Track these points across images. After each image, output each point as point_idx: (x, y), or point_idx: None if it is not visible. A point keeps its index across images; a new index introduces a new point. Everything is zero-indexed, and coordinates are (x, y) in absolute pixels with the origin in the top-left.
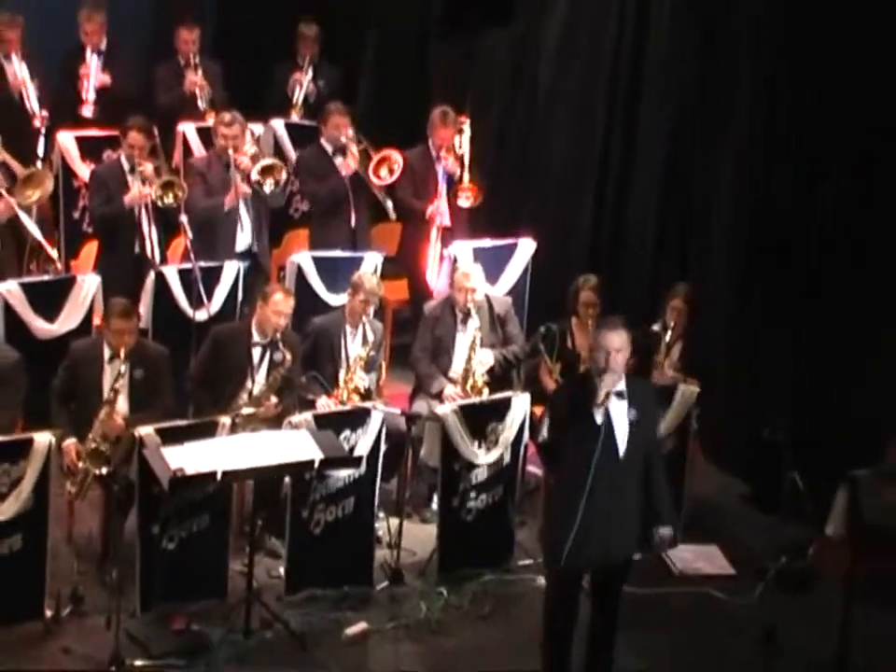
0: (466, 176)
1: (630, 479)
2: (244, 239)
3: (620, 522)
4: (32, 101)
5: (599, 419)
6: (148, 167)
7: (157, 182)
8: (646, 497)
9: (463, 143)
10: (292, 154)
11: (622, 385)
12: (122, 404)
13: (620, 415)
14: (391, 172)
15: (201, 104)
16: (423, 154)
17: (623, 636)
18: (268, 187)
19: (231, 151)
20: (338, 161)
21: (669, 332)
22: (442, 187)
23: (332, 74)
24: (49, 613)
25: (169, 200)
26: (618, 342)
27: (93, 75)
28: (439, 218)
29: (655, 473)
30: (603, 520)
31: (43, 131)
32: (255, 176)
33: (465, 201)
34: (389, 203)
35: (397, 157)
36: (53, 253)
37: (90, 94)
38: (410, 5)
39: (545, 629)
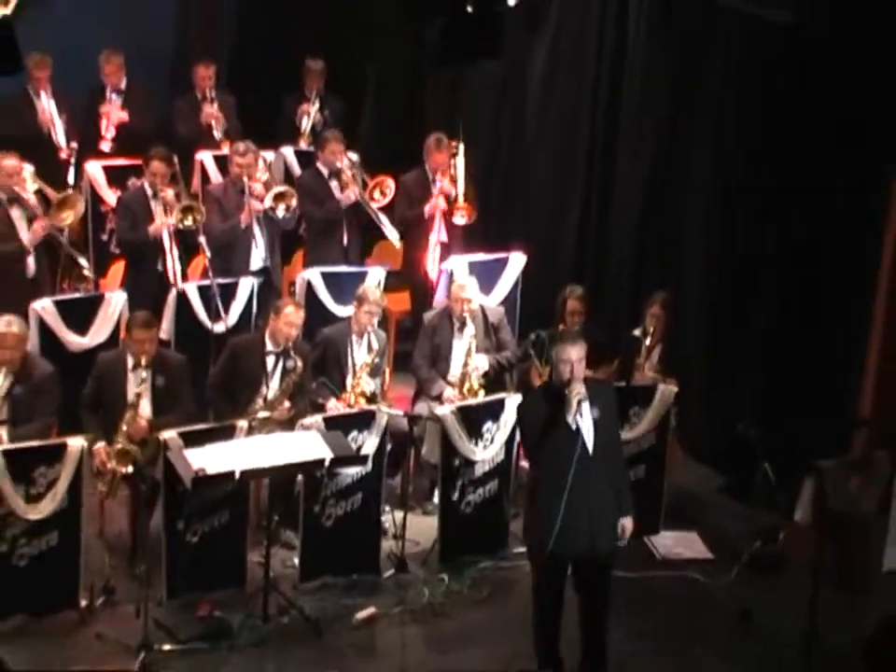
0: (461, 196)
1: (601, 473)
2: (258, 258)
3: (598, 514)
4: (59, 135)
5: (574, 425)
6: (169, 193)
7: (177, 206)
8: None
9: (457, 165)
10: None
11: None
12: (145, 408)
13: (586, 417)
14: (384, 194)
15: (216, 134)
16: (419, 177)
17: (612, 615)
18: (280, 211)
19: (245, 178)
20: (333, 184)
21: (649, 337)
22: (438, 200)
23: (336, 104)
24: (83, 603)
25: (189, 223)
26: (577, 353)
27: (113, 113)
28: (438, 211)
29: (618, 466)
30: (583, 512)
31: (72, 161)
32: (268, 203)
33: (460, 219)
34: (386, 224)
35: (389, 182)
36: (87, 271)
37: (108, 131)
38: (404, 41)
39: (534, 613)
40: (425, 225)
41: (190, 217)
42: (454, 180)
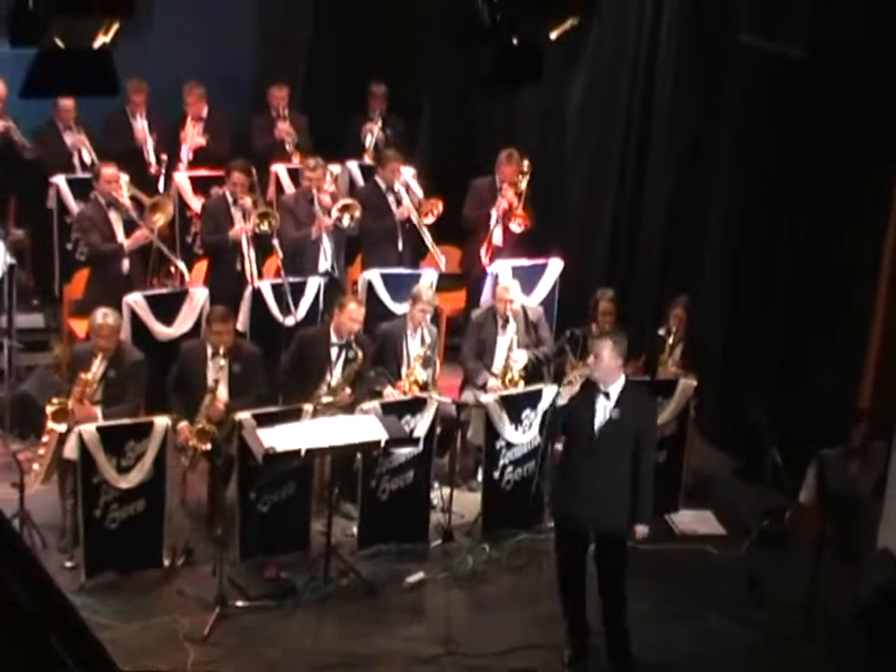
0: (520, 207)
1: (608, 464)
2: (324, 262)
3: (599, 497)
4: (150, 152)
5: (592, 413)
6: (248, 201)
7: (254, 213)
8: (631, 489)
9: (523, 182)
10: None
11: (614, 388)
12: (223, 392)
13: (604, 409)
14: (433, 215)
15: (289, 148)
16: (489, 183)
17: (636, 583)
18: (346, 221)
19: (315, 191)
20: (390, 198)
21: (672, 336)
22: (501, 213)
23: (397, 124)
24: (166, 562)
25: (264, 227)
26: (600, 349)
27: (190, 138)
28: (492, 240)
29: (642, 470)
30: (584, 492)
31: (162, 172)
32: (335, 213)
33: (517, 227)
34: (432, 245)
35: (440, 204)
36: (184, 271)
37: (187, 155)
38: (458, 67)
39: (558, 577)
40: (486, 227)
41: (266, 223)
42: (518, 194)
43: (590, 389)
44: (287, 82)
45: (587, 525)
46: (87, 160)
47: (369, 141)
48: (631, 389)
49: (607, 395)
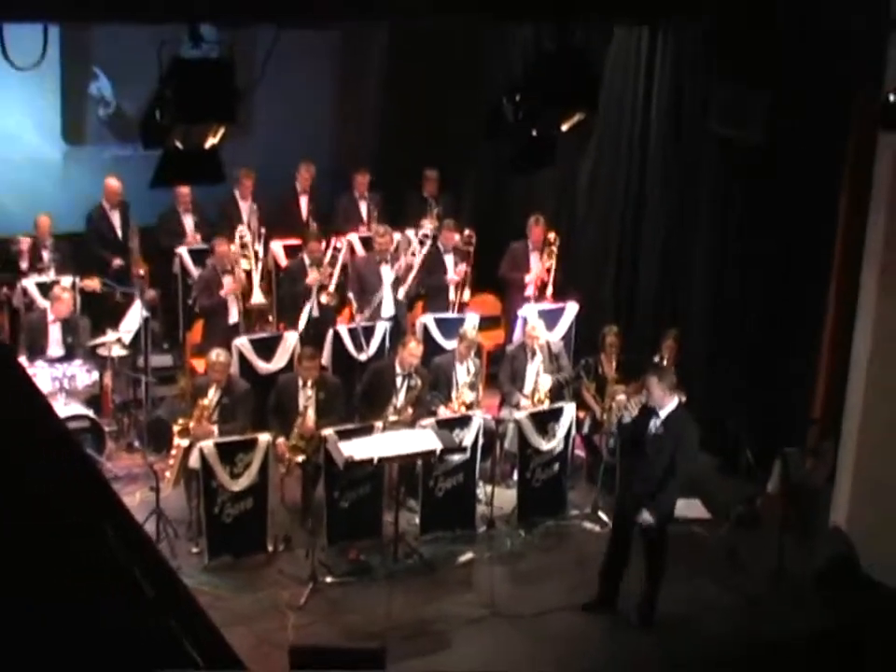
0: (548, 264)
1: (651, 468)
2: (389, 309)
3: (640, 494)
4: (253, 224)
5: (643, 426)
6: (337, 266)
7: (327, 277)
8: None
9: (553, 253)
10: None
11: (664, 411)
12: (311, 415)
13: (652, 427)
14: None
15: (364, 218)
16: (522, 246)
17: (640, 558)
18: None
19: (383, 253)
20: (447, 258)
21: (665, 361)
22: (534, 266)
23: (448, 200)
24: (269, 548)
25: (330, 302)
26: (650, 381)
27: (304, 209)
28: (530, 286)
29: (672, 476)
30: (631, 489)
31: (261, 241)
32: (400, 271)
33: (543, 278)
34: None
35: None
36: (271, 318)
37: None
38: (492, 153)
39: (608, 545)
40: (520, 287)
41: (331, 299)
42: (548, 269)
43: (647, 411)
44: (366, 168)
45: (630, 516)
46: (189, 229)
47: (428, 212)
48: (678, 413)
49: (658, 415)
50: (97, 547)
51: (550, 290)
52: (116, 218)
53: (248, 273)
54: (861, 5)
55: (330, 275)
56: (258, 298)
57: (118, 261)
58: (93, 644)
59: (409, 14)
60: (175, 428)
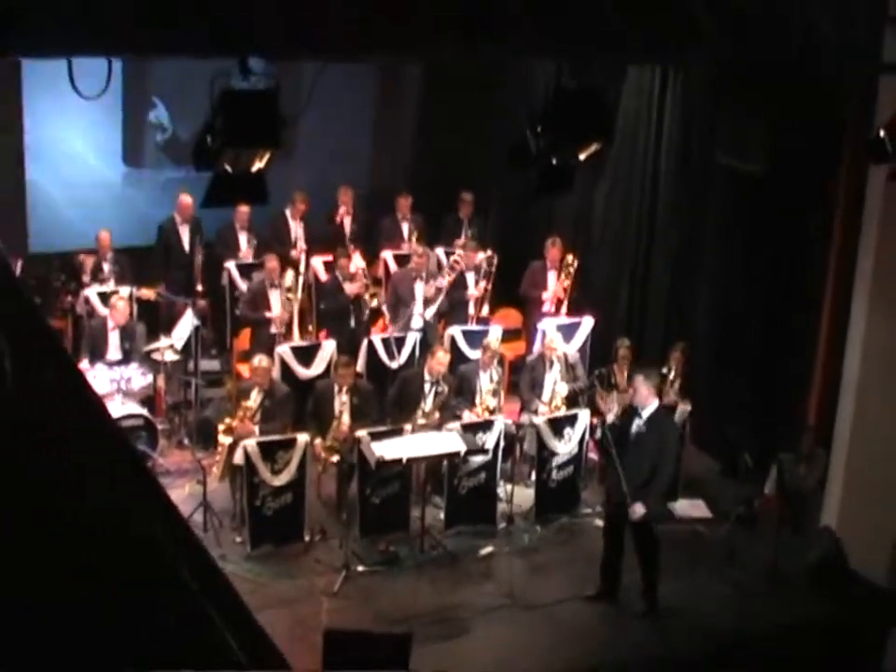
0: (565, 282)
1: (636, 466)
2: (418, 322)
3: (632, 489)
4: (301, 243)
5: (627, 425)
6: (358, 284)
7: (365, 290)
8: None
9: (567, 279)
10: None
11: (646, 410)
12: (346, 418)
13: (635, 426)
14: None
15: (405, 238)
16: (540, 267)
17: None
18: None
19: (419, 272)
20: (468, 276)
21: (672, 373)
22: (552, 284)
23: (480, 221)
24: (307, 538)
25: (373, 303)
26: (635, 383)
27: (348, 227)
28: (548, 303)
29: (657, 473)
30: (620, 484)
31: (303, 258)
32: (430, 292)
33: (560, 295)
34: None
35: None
36: (311, 328)
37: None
38: (515, 180)
39: (603, 539)
40: (538, 303)
41: (374, 300)
42: (565, 289)
43: (630, 411)
44: (404, 190)
45: (620, 510)
46: (243, 245)
47: (462, 233)
48: (660, 413)
49: (640, 416)
50: (148, 543)
51: (565, 307)
52: (185, 232)
53: (291, 313)
54: (855, 50)
55: (366, 286)
56: (296, 337)
57: (162, 289)
58: (139, 637)
59: (441, 51)
60: (221, 428)
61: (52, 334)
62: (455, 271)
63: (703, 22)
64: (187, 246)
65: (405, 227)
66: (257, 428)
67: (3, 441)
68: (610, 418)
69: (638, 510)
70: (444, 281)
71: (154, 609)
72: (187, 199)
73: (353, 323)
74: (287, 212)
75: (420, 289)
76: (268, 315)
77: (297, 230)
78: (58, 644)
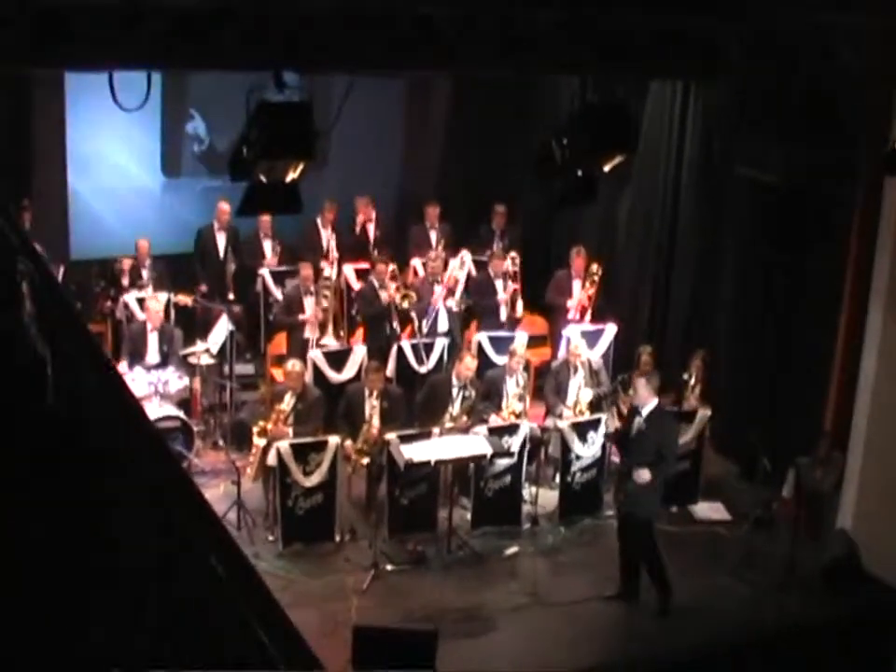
0: (589, 290)
1: (639, 460)
2: (444, 323)
3: (633, 487)
4: (332, 251)
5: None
6: (392, 286)
7: (398, 293)
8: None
9: (592, 287)
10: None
11: (646, 409)
12: (376, 422)
13: (636, 424)
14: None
15: (433, 246)
16: (566, 275)
17: (666, 555)
18: (460, 297)
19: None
20: (497, 283)
21: (692, 379)
22: (576, 292)
23: (513, 231)
24: (337, 538)
25: (405, 304)
26: (635, 384)
27: (371, 235)
28: (573, 311)
29: (657, 467)
30: (626, 485)
31: (334, 264)
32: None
33: (585, 302)
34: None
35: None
36: (342, 332)
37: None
38: (541, 190)
39: (619, 540)
40: (564, 311)
41: (406, 301)
42: (589, 296)
43: (631, 411)
44: (432, 199)
45: (623, 510)
46: (268, 253)
47: (495, 244)
48: (659, 412)
49: (640, 414)
50: (183, 543)
51: (589, 314)
52: (221, 239)
53: (325, 311)
54: (872, 68)
55: (398, 288)
56: (328, 338)
57: (203, 287)
58: (174, 633)
59: (470, 65)
60: (255, 430)
61: (93, 340)
62: (465, 264)
63: (723, 41)
64: (221, 254)
65: (433, 235)
66: (290, 430)
67: (45, 444)
68: (610, 427)
69: (644, 475)
70: (463, 272)
71: (189, 607)
72: (225, 206)
73: (389, 329)
74: (318, 221)
75: (438, 291)
76: (301, 317)
77: (328, 238)
78: (92, 638)
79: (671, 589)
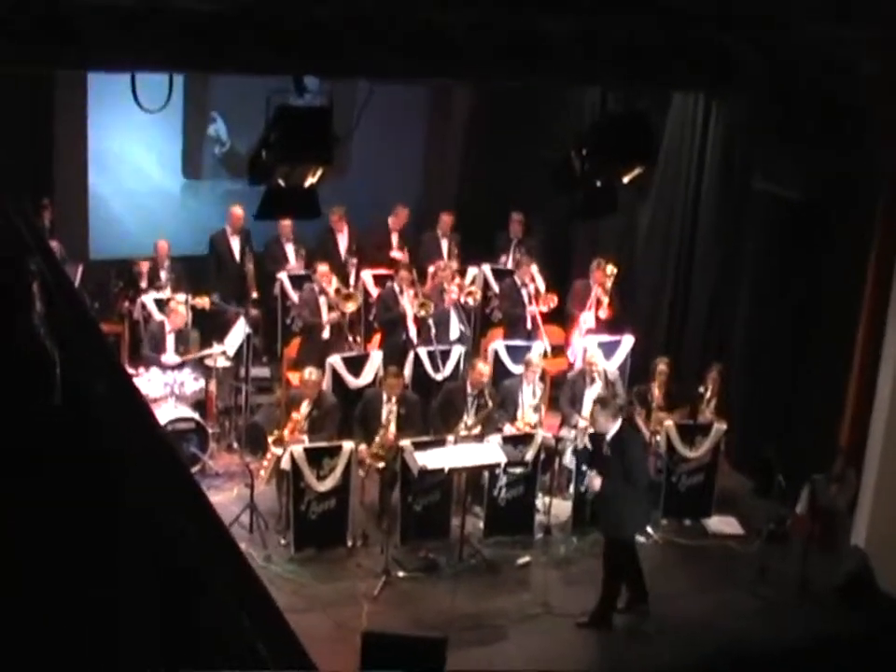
0: (606, 301)
1: (613, 481)
2: (456, 330)
3: (605, 509)
4: (345, 256)
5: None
6: (410, 292)
7: (416, 301)
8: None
9: (609, 280)
10: (495, 286)
11: (609, 434)
12: (392, 427)
13: (605, 448)
14: (548, 305)
15: (444, 254)
16: (585, 285)
17: (681, 569)
18: (471, 300)
19: (444, 284)
20: (523, 292)
21: (708, 392)
22: (593, 304)
23: (530, 241)
24: (349, 543)
25: (422, 313)
26: (592, 412)
27: (396, 244)
28: (585, 323)
29: (628, 486)
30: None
31: (352, 271)
32: (462, 298)
33: (602, 314)
34: (542, 336)
35: (554, 298)
36: (359, 339)
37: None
38: (561, 201)
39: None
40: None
41: (423, 309)
42: (607, 290)
43: (598, 437)
44: (449, 207)
45: (610, 531)
46: (291, 256)
47: (510, 252)
48: (621, 433)
49: (605, 439)
50: (182, 544)
51: (604, 313)
52: (236, 243)
53: (342, 314)
54: (888, 91)
55: (416, 295)
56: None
57: (215, 296)
58: (170, 634)
59: (490, 77)
60: (270, 439)
61: (104, 342)
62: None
63: (743, 55)
64: (237, 257)
65: (444, 243)
66: (305, 438)
67: (53, 449)
68: (580, 444)
69: (595, 483)
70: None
71: (186, 608)
72: (238, 210)
73: (405, 335)
74: (333, 226)
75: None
76: (319, 320)
77: (344, 241)
78: (88, 640)
79: (647, 594)
